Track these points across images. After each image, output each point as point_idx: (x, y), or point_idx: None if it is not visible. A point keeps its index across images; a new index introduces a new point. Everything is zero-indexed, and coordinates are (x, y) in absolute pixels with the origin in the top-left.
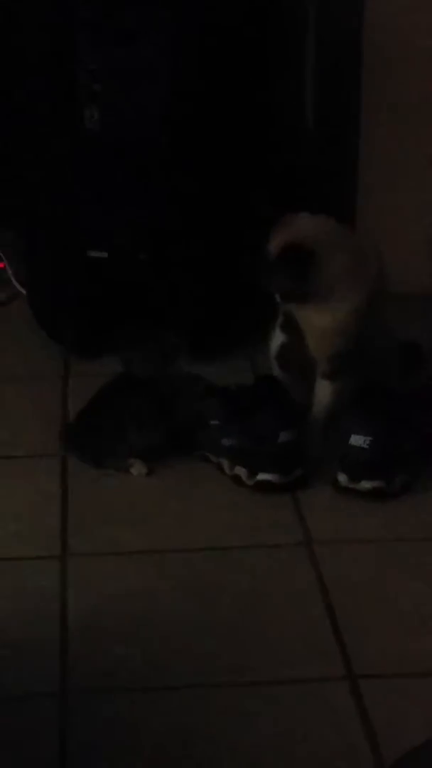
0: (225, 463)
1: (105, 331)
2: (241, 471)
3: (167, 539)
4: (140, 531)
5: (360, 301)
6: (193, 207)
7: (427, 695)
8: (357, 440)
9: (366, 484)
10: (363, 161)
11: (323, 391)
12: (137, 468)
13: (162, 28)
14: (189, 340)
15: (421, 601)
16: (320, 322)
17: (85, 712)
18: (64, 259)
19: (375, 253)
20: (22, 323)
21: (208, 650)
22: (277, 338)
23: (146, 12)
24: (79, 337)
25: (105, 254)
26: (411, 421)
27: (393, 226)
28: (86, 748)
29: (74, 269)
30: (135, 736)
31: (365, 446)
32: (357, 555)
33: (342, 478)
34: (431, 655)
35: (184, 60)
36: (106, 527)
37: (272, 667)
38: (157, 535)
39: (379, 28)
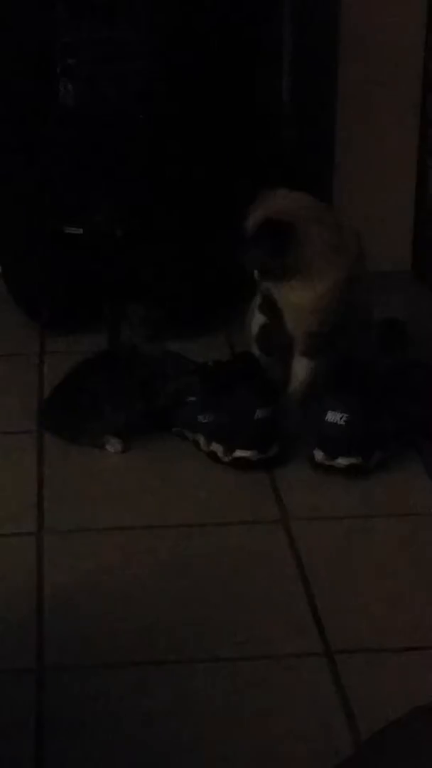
0: (201, 440)
1: (81, 308)
2: (217, 448)
3: (143, 516)
4: (116, 508)
5: (338, 278)
6: (170, 183)
7: (402, 669)
8: (333, 417)
9: (342, 461)
10: (339, 143)
11: (301, 368)
12: (113, 445)
13: (139, 6)
14: (166, 316)
15: (396, 577)
16: (298, 300)
17: (62, 687)
18: (39, 236)
19: (353, 230)
20: None
21: (184, 626)
22: (257, 320)
23: None
24: (55, 314)
25: (80, 230)
26: (389, 399)
27: (369, 206)
28: (63, 723)
29: (50, 246)
30: (112, 711)
31: (341, 423)
32: (333, 531)
33: (318, 454)
34: (407, 630)
35: (163, 35)
36: (82, 504)
37: (250, 643)
38: (133, 512)
39: (354, 15)
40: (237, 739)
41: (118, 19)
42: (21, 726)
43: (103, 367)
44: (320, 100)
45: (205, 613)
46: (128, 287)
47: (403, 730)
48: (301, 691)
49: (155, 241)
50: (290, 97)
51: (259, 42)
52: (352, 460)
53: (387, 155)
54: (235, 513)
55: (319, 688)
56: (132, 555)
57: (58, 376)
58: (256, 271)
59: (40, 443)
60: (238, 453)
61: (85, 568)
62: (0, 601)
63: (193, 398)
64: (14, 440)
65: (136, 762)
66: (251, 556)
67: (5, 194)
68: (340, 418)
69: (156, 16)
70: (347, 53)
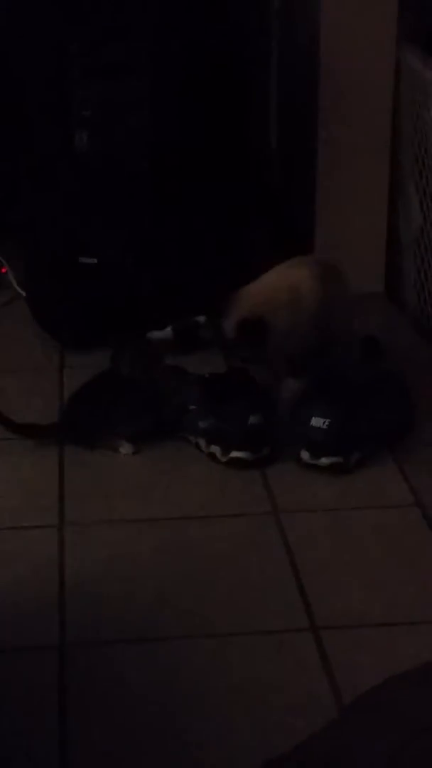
0: (202, 443)
1: (96, 328)
2: (216, 449)
3: (153, 509)
4: (129, 502)
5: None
6: (172, 220)
7: (382, 644)
8: (317, 422)
9: (325, 460)
10: (321, 174)
11: (288, 387)
12: (125, 448)
13: (145, 61)
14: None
15: (374, 561)
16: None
17: (83, 663)
18: (58, 265)
19: (334, 264)
20: (22, 321)
21: (188, 606)
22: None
23: (130, 46)
24: (73, 333)
25: (94, 260)
26: (366, 407)
27: (347, 236)
28: (83, 695)
29: (67, 273)
30: (125, 683)
31: (324, 427)
32: (318, 522)
33: (304, 455)
34: (385, 608)
35: (166, 90)
36: (99, 500)
37: (244, 620)
38: (144, 506)
39: (332, 62)
40: (235, 707)
41: (126, 76)
42: (45, 699)
43: (116, 382)
44: (303, 144)
45: (205, 595)
46: (136, 310)
47: (379, 697)
48: (289, 663)
49: (160, 269)
50: (277, 143)
51: (250, 96)
52: (334, 460)
53: (362, 191)
54: (232, 506)
55: (306, 661)
56: (143, 543)
57: (76, 387)
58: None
59: (60, 447)
60: (234, 454)
61: (101, 556)
62: (25, 586)
63: (194, 407)
64: (36, 446)
65: (149, 730)
66: (246, 544)
67: (29, 229)
68: (323, 423)
69: (158, 72)
70: (325, 103)
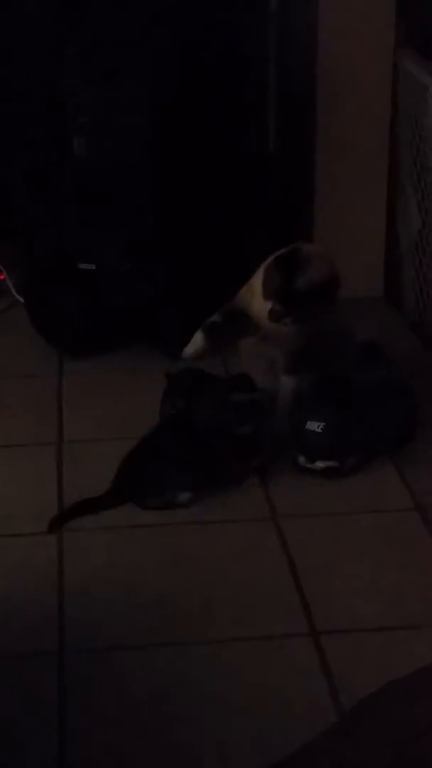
0: None
1: (94, 334)
2: None
3: (151, 515)
4: (127, 509)
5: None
6: (170, 224)
7: (382, 648)
8: (312, 425)
9: (320, 464)
10: (319, 178)
11: (285, 386)
12: (183, 497)
13: (141, 67)
14: (166, 340)
15: (371, 565)
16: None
17: (82, 667)
18: (56, 271)
19: (329, 261)
20: (21, 328)
21: (187, 611)
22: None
23: (126, 51)
24: (71, 339)
25: (93, 266)
26: (363, 411)
27: (346, 241)
28: (82, 700)
29: (66, 279)
30: (124, 688)
31: (319, 431)
32: (317, 526)
33: (300, 459)
34: (384, 612)
35: (162, 95)
36: None
37: (243, 625)
38: (142, 512)
39: (330, 67)
40: (236, 712)
41: (123, 81)
42: (44, 704)
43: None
44: (301, 148)
45: (204, 600)
46: (134, 316)
47: (379, 702)
48: (290, 667)
49: (158, 274)
50: (275, 148)
51: (248, 101)
52: (329, 464)
53: (360, 195)
54: (230, 511)
55: (306, 665)
56: (143, 549)
57: (74, 393)
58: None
59: (59, 454)
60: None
61: (100, 562)
62: (25, 592)
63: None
64: (37, 451)
65: (148, 735)
66: (245, 549)
67: (27, 235)
68: (318, 427)
69: (156, 77)
70: (323, 107)
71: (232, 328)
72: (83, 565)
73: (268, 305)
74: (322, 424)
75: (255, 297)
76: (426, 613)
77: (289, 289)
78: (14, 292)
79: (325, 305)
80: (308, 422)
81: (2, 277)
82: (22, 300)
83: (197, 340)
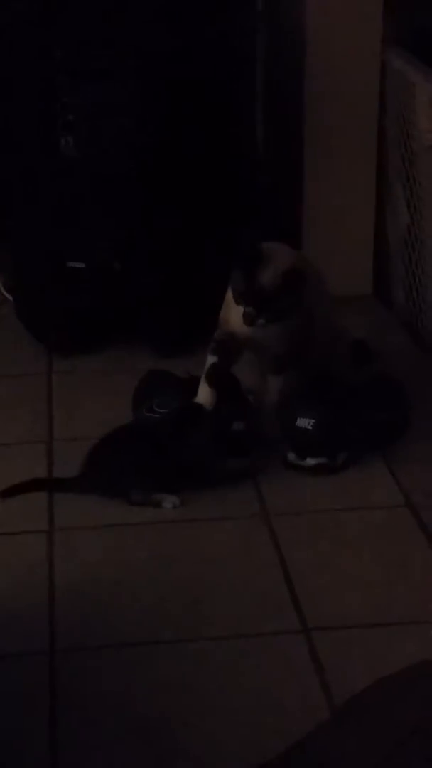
0: None
1: (84, 332)
2: None
3: (141, 513)
4: (118, 507)
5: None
6: (159, 222)
7: (373, 645)
8: (302, 422)
9: (310, 461)
10: (308, 177)
11: (273, 385)
12: (168, 502)
13: (129, 67)
14: (156, 339)
15: (365, 562)
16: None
17: (73, 667)
18: (46, 269)
19: (312, 263)
20: (10, 327)
21: (178, 610)
22: (209, 359)
23: (115, 52)
24: (60, 337)
25: (82, 264)
26: (353, 408)
27: (335, 240)
28: (73, 700)
29: (55, 278)
30: (116, 688)
31: (309, 427)
32: (308, 523)
33: (291, 455)
34: (376, 609)
35: (150, 95)
36: (87, 503)
37: (235, 623)
38: (131, 510)
39: (318, 65)
40: (228, 710)
41: (111, 81)
42: (36, 703)
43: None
44: (290, 147)
45: (195, 598)
46: (124, 314)
47: (370, 699)
48: (282, 664)
49: (147, 273)
50: (263, 147)
51: (237, 100)
52: (320, 461)
53: (349, 193)
54: (221, 509)
55: (298, 661)
56: (133, 548)
57: (65, 392)
58: (261, 319)
59: (49, 452)
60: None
61: (91, 560)
62: (16, 591)
63: None
64: (27, 449)
65: (141, 734)
66: (236, 547)
67: (16, 233)
68: (308, 423)
69: (144, 79)
70: (312, 106)
71: (229, 360)
72: (74, 563)
73: (241, 310)
74: (313, 420)
75: (231, 308)
76: (417, 609)
77: (253, 289)
78: (3, 291)
79: (294, 299)
80: (298, 419)
81: None
82: (11, 298)
83: (204, 392)
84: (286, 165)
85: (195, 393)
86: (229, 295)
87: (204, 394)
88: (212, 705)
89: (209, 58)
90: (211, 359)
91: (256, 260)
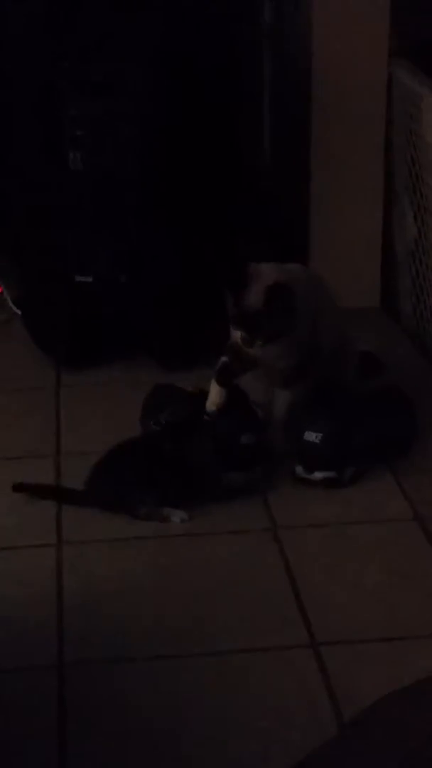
0: None
1: (91, 345)
2: None
3: (149, 527)
4: (125, 520)
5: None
6: (166, 236)
7: (382, 659)
8: (309, 436)
9: (318, 475)
10: (315, 188)
11: (281, 399)
12: (177, 516)
13: (135, 81)
14: (162, 352)
15: (371, 576)
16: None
17: (81, 681)
18: (53, 283)
19: (318, 276)
20: (18, 341)
21: (187, 624)
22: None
23: (120, 66)
24: (68, 351)
25: (90, 278)
26: (361, 421)
27: (343, 252)
28: (82, 713)
29: (63, 292)
30: (124, 701)
31: (317, 441)
32: (317, 537)
33: (299, 469)
34: (385, 623)
35: (157, 108)
36: (95, 518)
37: (244, 637)
38: (139, 524)
39: (325, 77)
40: (236, 723)
41: (117, 95)
42: (44, 716)
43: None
44: (296, 158)
45: (204, 612)
46: (130, 328)
47: (380, 712)
48: (290, 679)
49: (154, 286)
50: (270, 158)
51: (243, 111)
52: (327, 474)
53: (356, 205)
54: (230, 523)
55: (307, 676)
56: (141, 562)
57: (72, 405)
58: (257, 340)
59: (57, 466)
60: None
61: (99, 574)
62: (24, 605)
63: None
64: (35, 463)
65: (149, 747)
66: (244, 561)
67: (24, 248)
68: (315, 437)
69: (151, 91)
70: (318, 118)
71: (241, 365)
72: (82, 577)
73: (239, 333)
74: (320, 434)
75: (233, 329)
76: (426, 623)
77: (242, 311)
78: (12, 305)
79: (283, 313)
80: (306, 433)
81: (0, 290)
82: (19, 312)
83: (214, 393)
84: (293, 178)
85: (203, 407)
86: None
87: (214, 394)
88: (220, 718)
89: (217, 70)
90: (224, 359)
91: (242, 282)
